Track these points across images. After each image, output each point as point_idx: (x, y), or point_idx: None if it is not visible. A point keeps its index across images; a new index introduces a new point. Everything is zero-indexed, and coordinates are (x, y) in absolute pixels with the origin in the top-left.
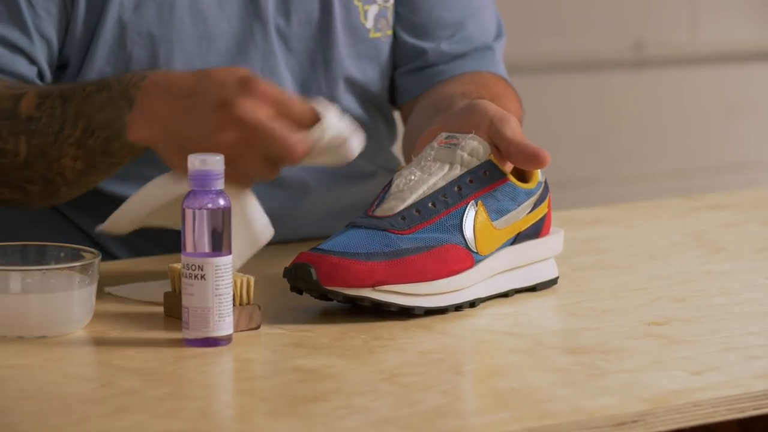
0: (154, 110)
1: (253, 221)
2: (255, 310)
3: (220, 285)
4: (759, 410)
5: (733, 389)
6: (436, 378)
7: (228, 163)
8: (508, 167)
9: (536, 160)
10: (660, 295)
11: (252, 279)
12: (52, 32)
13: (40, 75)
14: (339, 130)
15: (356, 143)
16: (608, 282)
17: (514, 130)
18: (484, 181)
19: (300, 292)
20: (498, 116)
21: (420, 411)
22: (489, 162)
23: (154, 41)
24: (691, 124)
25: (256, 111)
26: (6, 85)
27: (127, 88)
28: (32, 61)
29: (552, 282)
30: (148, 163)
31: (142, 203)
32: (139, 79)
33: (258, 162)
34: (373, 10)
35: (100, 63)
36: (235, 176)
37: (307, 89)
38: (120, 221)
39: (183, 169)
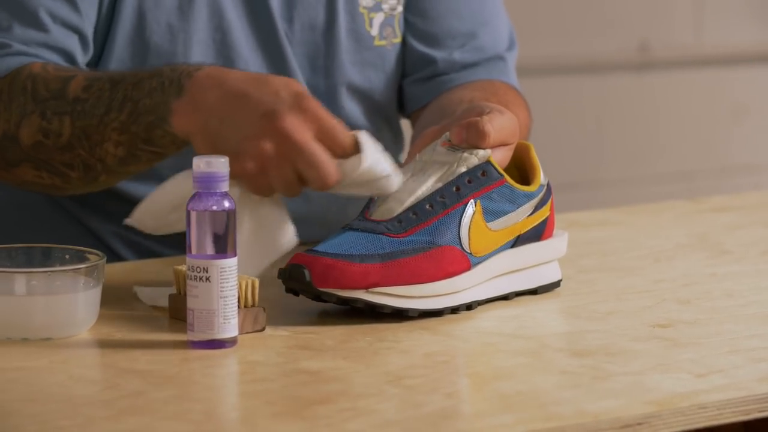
0: (202, 101)
1: (275, 227)
2: (260, 312)
3: (225, 287)
4: (764, 413)
5: (738, 391)
6: (441, 380)
7: (256, 172)
8: (503, 162)
9: (471, 131)
10: (665, 297)
11: (257, 281)
12: (93, 13)
13: (86, 54)
14: (375, 165)
15: (394, 181)
16: (613, 284)
17: (500, 121)
18: (482, 181)
19: (296, 294)
20: (495, 110)
21: (425, 413)
22: (487, 163)
23: (172, 31)
24: (696, 126)
25: (301, 129)
26: (56, 67)
27: (180, 76)
28: (83, 38)
29: (554, 285)
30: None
31: (166, 199)
32: (194, 69)
33: (286, 177)
34: (378, 18)
35: (119, 50)
36: (258, 184)
37: None
38: (145, 217)
39: None
